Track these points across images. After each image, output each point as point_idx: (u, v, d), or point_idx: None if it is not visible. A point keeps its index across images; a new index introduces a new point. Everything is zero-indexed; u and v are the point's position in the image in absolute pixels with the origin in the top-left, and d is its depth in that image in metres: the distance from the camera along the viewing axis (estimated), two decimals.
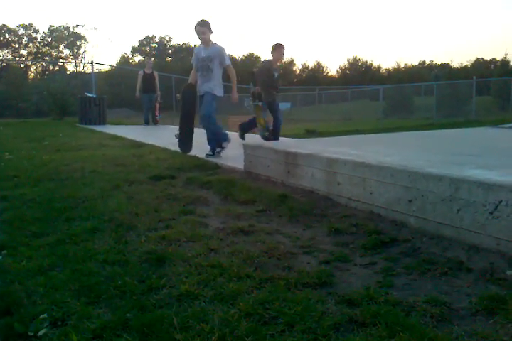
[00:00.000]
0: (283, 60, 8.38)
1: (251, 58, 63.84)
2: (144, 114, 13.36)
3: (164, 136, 9.04)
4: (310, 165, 3.76)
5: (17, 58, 57.41)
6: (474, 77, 22.88)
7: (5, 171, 5.37)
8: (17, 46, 59.86)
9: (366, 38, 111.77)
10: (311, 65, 67.38)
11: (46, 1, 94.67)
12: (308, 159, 3.79)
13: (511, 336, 1.65)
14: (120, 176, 4.75)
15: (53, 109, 17.02)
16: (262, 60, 7.60)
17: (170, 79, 18.49)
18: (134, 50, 68.59)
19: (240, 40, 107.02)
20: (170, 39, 70.23)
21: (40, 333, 1.76)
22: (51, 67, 54.57)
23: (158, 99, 13.06)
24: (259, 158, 4.57)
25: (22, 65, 51.50)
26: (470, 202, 2.47)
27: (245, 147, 4.81)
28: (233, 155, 5.61)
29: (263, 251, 2.51)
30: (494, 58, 60.06)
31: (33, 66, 57.00)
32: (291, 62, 63.52)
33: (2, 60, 54.61)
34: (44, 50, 60.78)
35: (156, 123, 13.27)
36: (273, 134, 7.23)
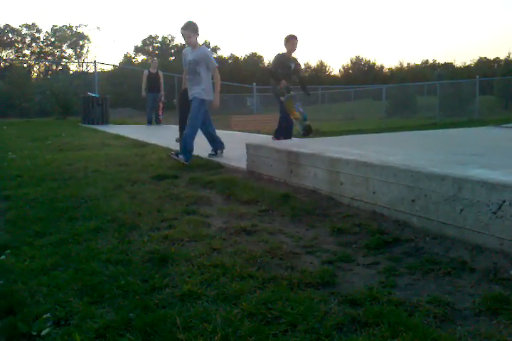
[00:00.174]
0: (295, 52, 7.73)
1: (254, 58, 63.78)
2: (147, 114, 13.38)
3: (167, 136, 9.04)
4: (313, 165, 3.75)
5: (20, 58, 57.52)
6: (477, 77, 22.85)
7: (8, 171, 5.38)
8: (20, 46, 59.98)
9: (369, 37, 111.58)
10: (313, 64, 67.30)
11: (49, 0, 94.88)
12: (311, 159, 3.79)
13: None
14: (123, 176, 4.75)
15: (56, 108, 17.05)
16: (274, 55, 7.30)
17: (173, 79, 18.51)
18: (136, 49, 68.61)
19: (241, 39, 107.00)
20: (173, 39, 70.22)
21: (44, 333, 1.77)
22: (54, 67, 54.66)
23: (162, 98, 13.10)
24: (261, 157, 4.57)
25: (25, 65, 51.58)
26: (473, 202, 2.46)
27: (248, 147, 4.81)
28: (236, 154, 5.61)
29: (266, 251, 2.51)
30: (497, 57, 59.88)
31: (36, 66, 57.10)
32: None
33: (5, 60, 54.72)
34: (47, 49, 60.87)
35: (159, 122, 13.29)
36: (277, 133, 7.08)
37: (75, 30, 61.22)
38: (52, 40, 60.78)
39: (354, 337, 1.67)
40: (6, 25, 57.79)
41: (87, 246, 2.66)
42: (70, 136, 9.50)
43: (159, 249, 2.56)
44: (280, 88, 6.65)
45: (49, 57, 58.00)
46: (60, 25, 60.32)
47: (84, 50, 61.93)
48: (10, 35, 58.77)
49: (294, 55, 7.07)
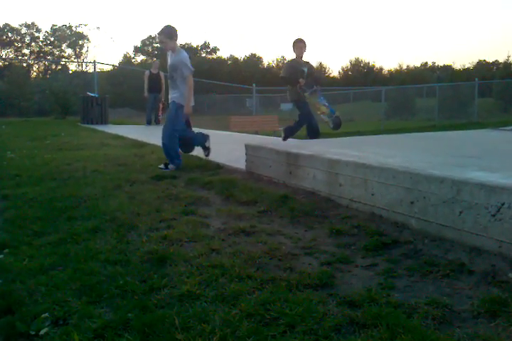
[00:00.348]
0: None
1: (253, 59, 63.82)
2: (146, 114, 13.38)
3: None
4: (311, 166, 3.75)
5: (19, 57, 57.46)
6: (476, 79, 22.88)
7: (7, 170, 5.38)
8: (19, 45, 59.92)
9: (368, 39, 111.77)
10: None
11: (49, 0, 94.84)
12: (310, 160, 3.79)
13: None
14: (122, 176, 4.75)
15: (55, 108, 17.05)
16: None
17: None
18: (136, 49, 68.62)
19: (240, 40, 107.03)
20: None
21: (42, 332, 1.77)
22: (53, 67, 54.64)
23: (163, 99, 13.12)
24: (260, 158, 4.57)
25: (24, 64, 51.56)
26: (472, 204, 2.46)
27: (247, 147, 4.81)
28: (235, 155, 5.61)
29: (264, 252, 2.51)
30: (497, 60, 60.10)
31: (36, 65, 57.07)
32: None
33: (5, 59, 54.68)
34: (46, 49, 60.82)
35: (158, 122, 13.30)
36: (287, 133, 6.99)
37: (74, 29, 61.18)
38: (52, 39, 60.74)
39: (352, 338, 1.67)
40: (6, 25, 57.74)
41: (85, 246, 2.66)
42: (69, 135, 9.49)
43: (158, 249, 2.56)
44: (300, 86, 6.51)
45: (48, 57, 57.95)
46: (59, 24, 60.21)
47: (84, 50, 61.86)
48: (9, 34, 58.71)
49: (305, 59, 6.91)
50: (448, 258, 2.39)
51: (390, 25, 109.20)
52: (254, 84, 20.30)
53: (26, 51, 60.47)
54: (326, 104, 6.79)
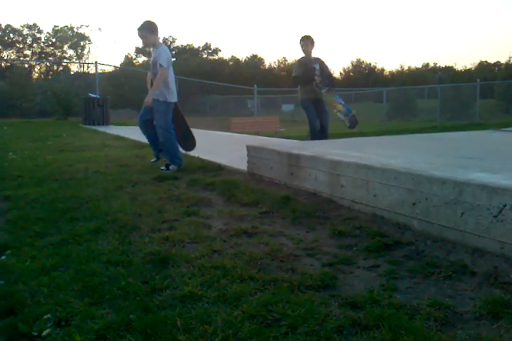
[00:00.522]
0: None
1: (254, 60, 63.83)
2: None
3: None
4: (313, 167, 3.75)
5: (21, 58, 57.60)
6: (478, 80, 22.89)
7: (8, 171, 5.39)
8: (21, 46, 60.04)
9: (370, 40, 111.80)
10: None
11: (50, 1, 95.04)
12: (312, 161, 3.79)
13: None
14: (123, 177, 4.76)
15: (57, 109, 17.07)
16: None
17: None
18: (137, 50, 68.67)
19: (242, 41, 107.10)
20: (174, 40, 70.31)
21: (44, 333, 1.77)
22: (55, 68, 54.72)
23: None
24: (262, 159, 4.57)
25: (26, 65, 51.65)
26: (474, 206, 2.46)
27: (248, 149, 4.81)
28: (236, 156, 5.61)
29: (266, 253, 2.51)
30: (498, 61, 60.01)
31: (37, 66, 57.16)
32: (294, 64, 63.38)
33: (6, 60, 54.79)
34: (48, 50, 60.94)
35: None
36: (314, 135, 6.66)
37: (76, 30, 61.34)
38: (54, 40, 60.86)
39: (354, 339, 1.67)
40: (7, 26, 57.87)
41: (87, 247, 2.66)
42: (71, 136, 9.51)
43: (160, 251, 2.56)
44: (316, 83, 6.36)
45: (50, 58, 58.08)
46: (61, 25, 60.47)
47: (86, 51, 62.02)
48: (11, 35, 58.84)
49: (316, 56, 6.68)
50: (450, 260, 2.39)
51: (391, 26, 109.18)
52: (255, 85, 20.30)
53: (28, 52, 60.62)
54: (342, 102, 6.67)
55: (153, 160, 5.53)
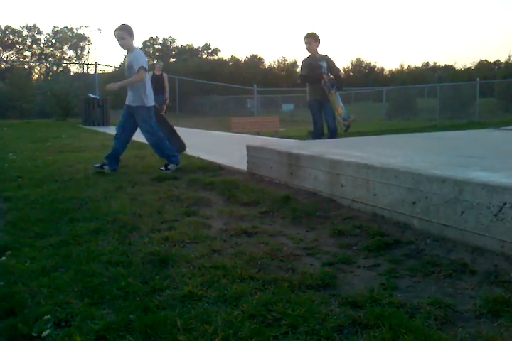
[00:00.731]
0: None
1: (254, 60, 63.86)
2: None
3: None
4: (313, 167, 3.75)
5: (21, 59, 57.62)
6: (478, 79, 22.89)
7: (8, 172, 5.39)
8: (21, 47, 60.09)
9: (369, 39, 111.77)
10: None
11: (50, 2, 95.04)
12: (312, 161, 3.79)
13: None
14: (123, 177, 4.76)
15: (57, 110, 17.10)
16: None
17: (173, 81, 18.53)
18: None
19: (241, 41, 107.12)
20: (173, 40, 70.37)
21: (44, 334, 1.77)
22: (55, 68, 54.79)
23: (167, 101, 13.18)
24: (262, 159, 4.57)
25: (26, 66, 51.67)
26: (474, 204, 2.46)
27: (248, 148, 4.81)
28: (236, 156, 5.61)
29: (266, 253, 2.51)
30: (498, 60, 60.08)
31: (37, 67, 57.20)
32: (294, 64, 63.55)
33: (6, 61, 54.81)
34: (48, 51, 60.98)
35: None
36: (316, 136, 6.61)
37: (75, 31, 61.38)
38: (53, 41, 60.88)
39: (355, 339, 1.67)
40: (7, 27, 57.89)
41: (87, 248, 2.66)
42: (70, 137, 9.52)
43: (160, 251, 2.56)
44: (325, 82, 6.24)
45: (50, 59, 58.12)
46: (60, 26, 60.53)
47: (85, 52, 62.05)
48: (11, 36, 58.87)
49: (322, 53, 6.53)
50: (450, 258, 2.39)
51: (391, 25, 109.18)
52: (255, 85, 20.32)
53: (28, 53, 60.65)
54: (343, 106, 6.65)
55: (97, 165, 5.27)
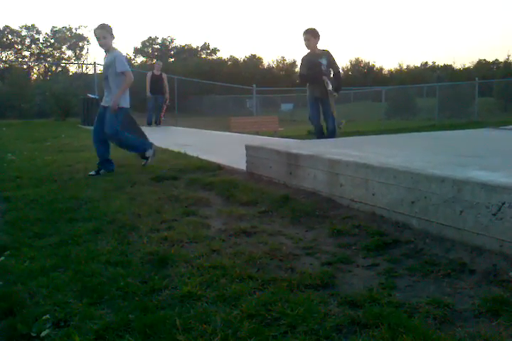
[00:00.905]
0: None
1: (253, 59, 63.82)
2: (147, 115, 13.39)
3: (166, 137, 9.05)
4: (312, 167, 3.75)
5: (20, 59, 57.57)
6: (477, 78, 22.88)
7: (7, 172, 5.39)
8: (20, 47, 60.04)
9: (368, 39, 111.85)
10: None
11: (49, 2, 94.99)
12: (311, 160, 3.79)
13: None
14: (122, 177, 4.76)
15: (56, 109, 17.10)
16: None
17: (172, 81, 18.53)
18: (136, 51, 68.70)
19: (240, 40, 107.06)
20: (172, 40, 70.33)
21: (43, 334, 1.77)
22: (54, 68, 54.75)
23: (167, 102, 13.18)
24: (261, 159, 4.57)
25: (25, 66, 51.65)
26: (473, 204, 2.46)
27: (247, 148, 4.81)
28: (235, 156, 5.61)
29: (265, 253, 2.51)
30: (497, 59, 60.12)
31: (36, 67, 57.16)
32: (293, 64, 63.58)
33: (5, 61, 54.77)
34: (47, 51, 60.93)
35: (159, 124, 13.32)
36: (318, 134, 6.59)
37: (74, 31, 61.33)
38: (52, 41, 60.83)
39: (354, 338, 1.67)
40: (6, 27, 57.85)
41: (86, 248, 2.66)
42: (70, 137, 9.51)
43: (159, 251, 2.56)
44: (325, 82, 6.17)
45: (48, 59, 58.08)
46: (59, 26, 60.50)
47: (84, 52, 62.00)
48: (9, 36, 58.81)
49: (323, 49, 6.43)
50: (449, 258, 2.39)
51: (390, 25, 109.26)
52: (254, 85, 20.30)
53: (26, 53, 60.60)
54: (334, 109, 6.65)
55: (92, 172, 5.14)
